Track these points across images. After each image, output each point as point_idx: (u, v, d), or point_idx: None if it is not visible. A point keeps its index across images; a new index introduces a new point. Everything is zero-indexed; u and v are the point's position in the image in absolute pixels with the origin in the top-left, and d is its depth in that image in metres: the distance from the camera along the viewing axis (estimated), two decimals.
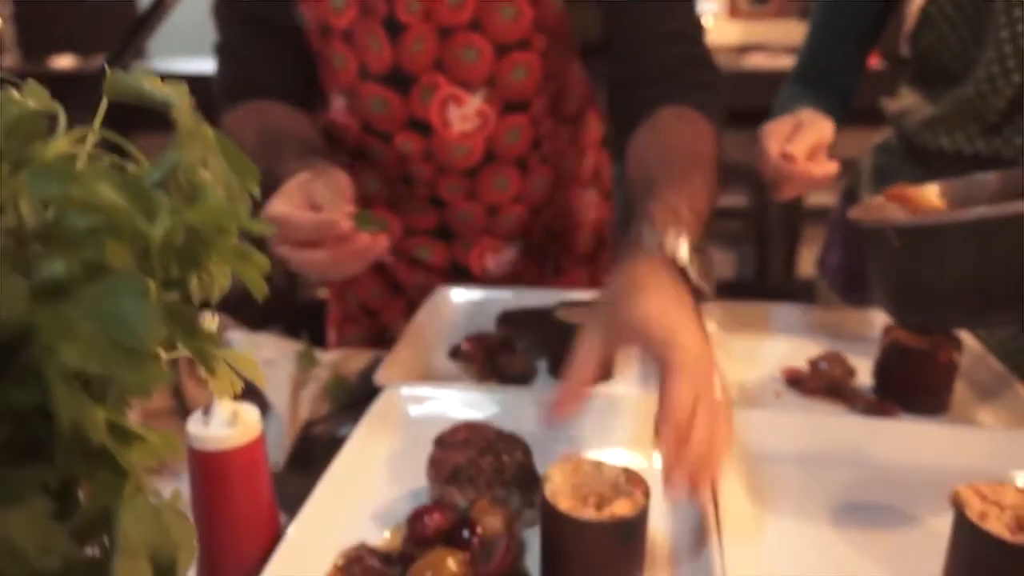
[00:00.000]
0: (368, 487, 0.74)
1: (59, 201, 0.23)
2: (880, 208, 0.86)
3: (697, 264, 0.73)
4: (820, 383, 0.90)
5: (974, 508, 0.57)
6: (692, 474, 0.59)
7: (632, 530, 0.59)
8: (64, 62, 2.67)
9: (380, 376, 0.89)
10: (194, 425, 0.62)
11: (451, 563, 0.60)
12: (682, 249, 0.73)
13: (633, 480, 0.62)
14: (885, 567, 0.64)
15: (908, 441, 0.77)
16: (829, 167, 0.93)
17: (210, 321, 0.34)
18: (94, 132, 0.27)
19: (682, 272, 0.72)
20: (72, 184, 0.23)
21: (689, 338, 0.64)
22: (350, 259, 0.79)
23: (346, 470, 0.73)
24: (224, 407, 0.62)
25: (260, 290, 0.28)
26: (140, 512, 0.25)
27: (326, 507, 0.68)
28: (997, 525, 0.56)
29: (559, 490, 0.61)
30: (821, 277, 1.32)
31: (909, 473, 0.75)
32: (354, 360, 1.01)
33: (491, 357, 0.95)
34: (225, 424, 0.62)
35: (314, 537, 0.65)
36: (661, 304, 0.66)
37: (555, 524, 0.60)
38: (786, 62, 2.34)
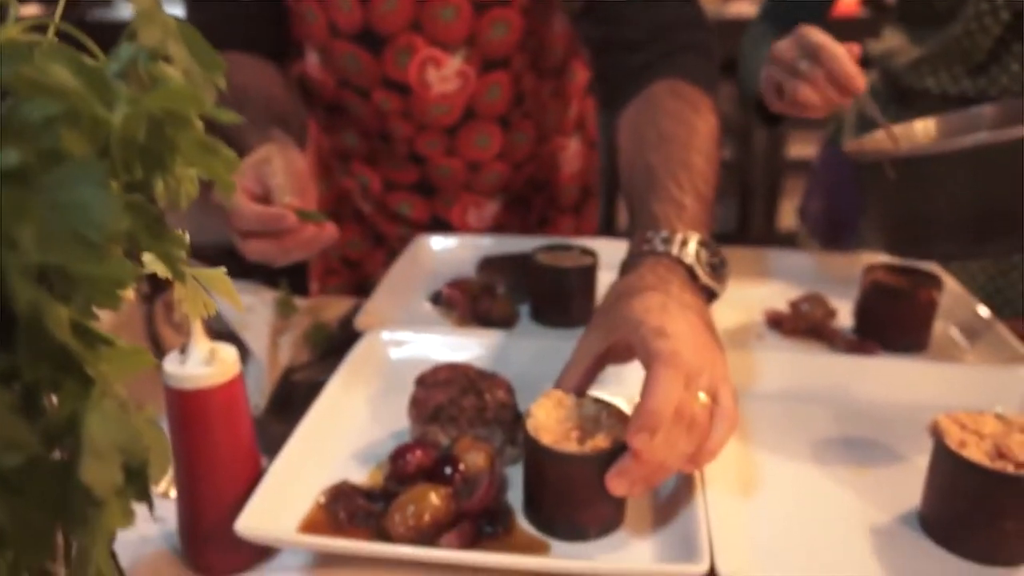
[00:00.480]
0: (349, 428, 0.73)
1: (12, 83, 0.22)
2: (875, 142, 0.85)
3: (706, 261, 0.71)
4: (801, 324, 0.90)
5: (953, 437, 0.58)
6: (645, 477, 0.56)
7: (613, 462, 0.59)
8: (30, 10, 2.59)
9: (360, 321, 0.88)
10: (170, 364, 0.61)
11: (433, 497, 0.59)
12: (689, 248, 0.70)
13: (615, 414, 0.62)
14: (867, 500, 0.65)
15: (889, 378, 0.78)
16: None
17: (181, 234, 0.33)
18: (53, 23, 0.26)
19: (690, 272, 0.69)
20: (26, 64, 0.22)
21: (684, 331, 0.60)
22: (296, 248, 0.78)
23: (327, 411, 0.72)
24: (200, 346, 0.61)
25: (229, 189, 0.27)
26: (107, 415, 0.24)
27: (307, 447, 0.68)
28: (976, 453, 0.56)
29: (541, 425, 0.61)
30: (803, 225, 1.32)
31: (890, 409, 0.76)
32: (334, 307, 1.00)
33: (473, 302, 0.95)
34: (202, 362, 0.60)
35: (295, 476, 0.65)
36: (659, 300, 0.63)
37: (538, 458, 0.60)
38: None
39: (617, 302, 0.66)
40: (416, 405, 0.69)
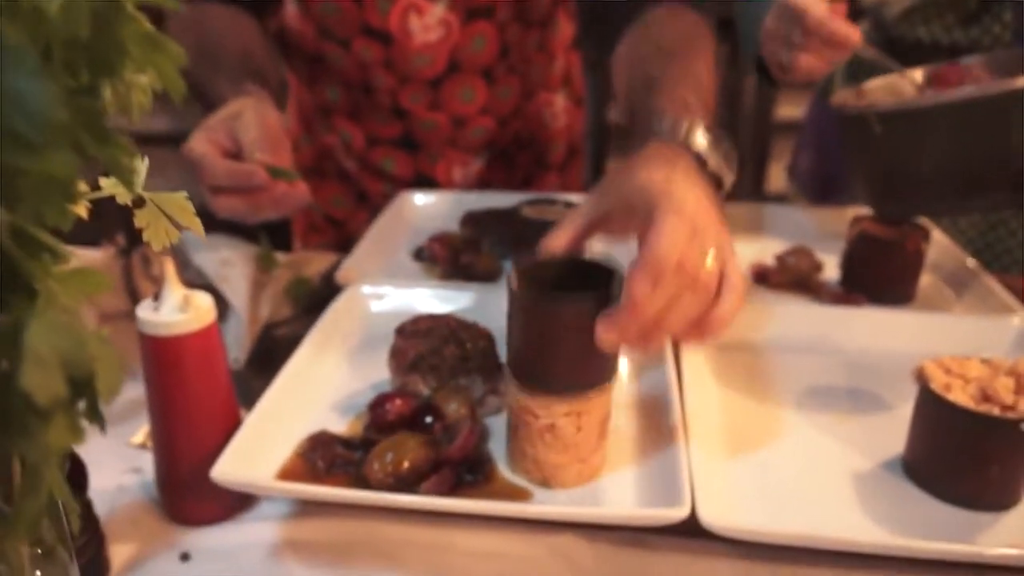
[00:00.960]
0: (329, 379, 0.72)
1: None
2: (861, 95, 0.84)
3: (714, 147, 0.66)
4: (787, 277, 0.89)
5: (938, 381, 0.57)
6: (641, 331, 0.51)
7: (604, 303, 0.53)
8: None
9: (341, 275, 0.87)
10: (144, 311, 0.59)
11: (413, 444, 0.59)
12: (696, 135, 0.65)
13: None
14: (850, 447, 0.64)
15: (874, 328, 0.77)
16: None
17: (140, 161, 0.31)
18: None
19: (699, 160, 0.64)
20: None
21: (691, 195, 0.54)
22: (267, 206, 0.76)
23: (306, 362, 0.71)
24: (174, 292, 0.59)
25: (178, 89, 0.26)
26: (51, 324, 0.23)
27: (286, 397, 0.67)
28: (962, 396, 0.56)
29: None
30: (792, 182, 1.31)
31: (875, 359, 0.75)
32: (316, 262, 0.98)
33: (455, 256, 0.93)
34: (176, 309, 0.59)
35: (274, 425, 0.64)
36: (664, 171, 0.56)
37: (524, 306, 0.55)
38: None
39: (618, 173, 0.60)
40: (396, 355, 0.68)
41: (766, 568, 0.57)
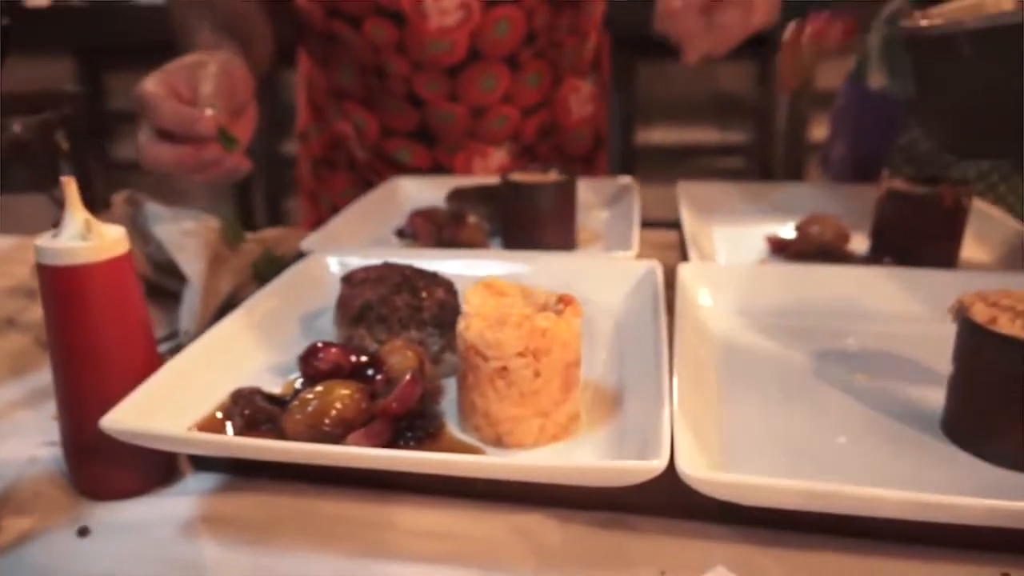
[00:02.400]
0: (273, 339, 0.64)
1: None
2: (942, 14, 0.72)
3: None
4: (809, 247, 0.79)
5: (982, 313, 0.46)
6: None
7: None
8: (39, 1, 2.60)
9: (306, 243, 0.79)
10: (42, 239, 0.52)
11: (341, 392, 0.49)
12: None
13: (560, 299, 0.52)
14: (880, 406, 0.53)
15: (904, 289, 0.66)
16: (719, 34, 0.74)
17: None
18: None
19: None
20: None
21: None
22: (192, 166, 0.70)
23: (249, 319, 0.63)
24: (76, 217, 0.51)
25: None
26: None
27: (218, 350, 0.58)
28: (1010, 328, 0.45)
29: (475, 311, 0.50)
30: (824, 173, 1.21)
31: (903, 322, 0.64)
32: (293, 239, 0.91)
33: (439, 231, 0.85)
34: (77, 236, 0.51)
35: (196, 378, 0.55)
36: None
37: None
38: None
39: None
40: (341, 306, 0.59)
41: (768, 554, 0.46)
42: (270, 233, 0.90)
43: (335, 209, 1.17)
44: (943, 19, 0.67)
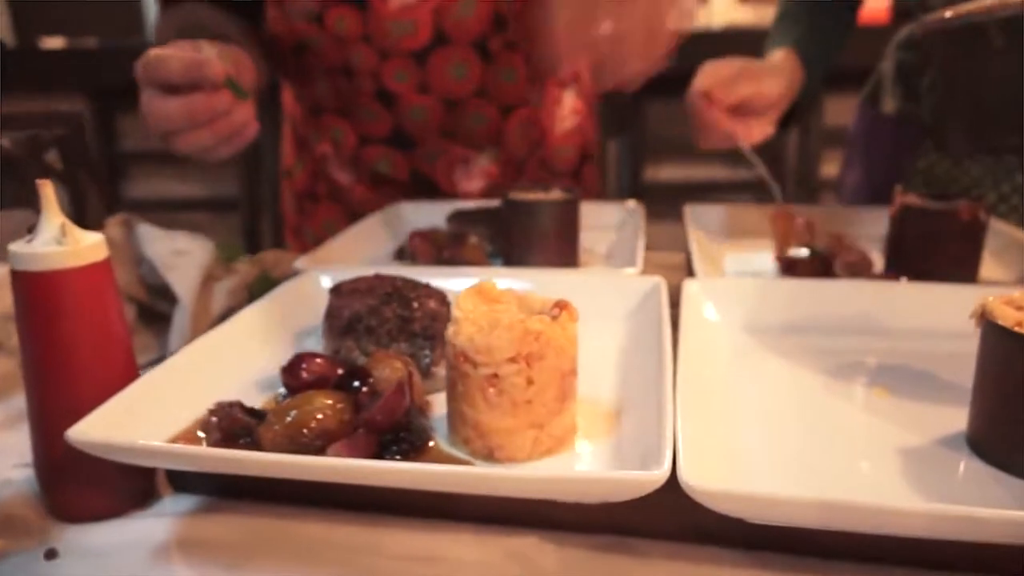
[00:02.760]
0: (259, 353, 0.61)
1: None
2: (970, 7, 0.70)
3: None
4: (819, 266, 0.76)
5: (1008, 317, 0.43)
6: None
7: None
8: (54, 43, 2.64)
9: (302, 262, 0.77)
10: (16, 244, 0.49)
11: (325, 403, 0.46)
12: None
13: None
14: (901, 421, 0.50)
15: (921, 304, 0.63)
16: (754, 130, 0.82)
17: None
18: None
19: None
20: None
21: None
22: (213, 115, 0.68)
23: (236, 332, 0.60)
24: (52, 221, 0.49)
25: None
26: None
27: (200, 363, 0.56)
28: None
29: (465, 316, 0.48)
30: (840, 200, 1.18)
31: (924, 339, 0.61)
32: (291, 261, 0.89)
33: (439, 252, 0.82)
34: (52, 240, 0.49)
35: (174, 390, 0.52)
36: None
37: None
38: None
39: None
40: (329, 316, 0.57)
41: None
42: (268, 255, 0.88)
43: (318, 241, 1.15)
44: (970, 9, 0.65)
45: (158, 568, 0.47)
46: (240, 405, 0.50)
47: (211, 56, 0.68)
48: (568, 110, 1.10)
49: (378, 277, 0.58)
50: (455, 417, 0.47)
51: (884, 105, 1.07)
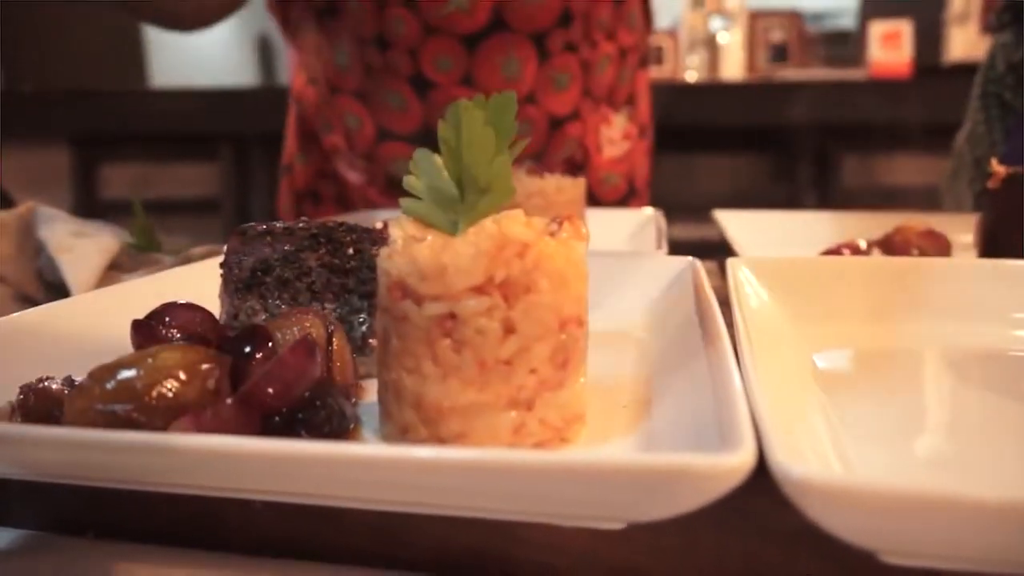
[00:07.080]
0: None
1: None
2: None
3: None
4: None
5: None
6: None
7: None
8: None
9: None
10: None
11: (175, 357, 0.29)
12: None
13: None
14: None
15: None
16: None
17: None
18: None
19: None
20: None
21: None
22: None
23: (107, 300, 0.43)
24: None
25: None
26: None
27: (40, 331, 0.38)
28: None
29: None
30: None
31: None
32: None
33: None
34: None
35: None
36: None
37: None
38: None
39: None
40: (227, 263, 0.39)
41: None
42: (199, 250, 0.70)
43: None
44: None
45: None
46: (67, 379, 0.33)
47: None
48: (618, 133, 0.95)
49: (303, 220, 0.41)
50: (389, 393, 0.30)
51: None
